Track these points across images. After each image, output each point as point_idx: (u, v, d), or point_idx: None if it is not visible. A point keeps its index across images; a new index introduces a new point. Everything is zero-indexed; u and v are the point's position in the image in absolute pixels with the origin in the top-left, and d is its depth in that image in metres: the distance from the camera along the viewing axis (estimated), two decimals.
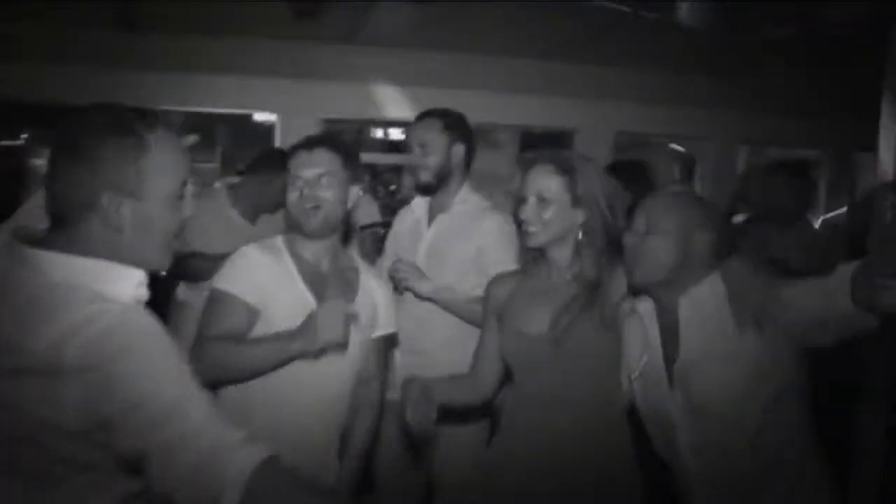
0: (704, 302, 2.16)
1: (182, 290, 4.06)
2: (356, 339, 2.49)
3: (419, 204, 3.21)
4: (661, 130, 5.99)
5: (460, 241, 3.02)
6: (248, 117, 8.13)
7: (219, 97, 5.17)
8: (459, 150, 3.09)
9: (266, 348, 2.32)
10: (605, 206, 2.42)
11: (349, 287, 2.57)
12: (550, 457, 2.40)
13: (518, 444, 2.48)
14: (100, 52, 4.72)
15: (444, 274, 2.98)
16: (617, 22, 4.44)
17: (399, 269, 2.94)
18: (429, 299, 2.97)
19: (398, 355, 3.09)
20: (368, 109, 5.33)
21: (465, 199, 3.12)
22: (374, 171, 8.51)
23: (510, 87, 5.49)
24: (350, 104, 5.31)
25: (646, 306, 2.30)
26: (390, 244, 3.36)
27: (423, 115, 3.17)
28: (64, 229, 1.55)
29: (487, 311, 2.61)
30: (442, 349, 2.98)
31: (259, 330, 2.41)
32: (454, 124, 3.13)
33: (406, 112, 5.22)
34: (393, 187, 10.21)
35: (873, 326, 1.88)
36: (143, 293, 1.62)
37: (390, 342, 2.84)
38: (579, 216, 2.42)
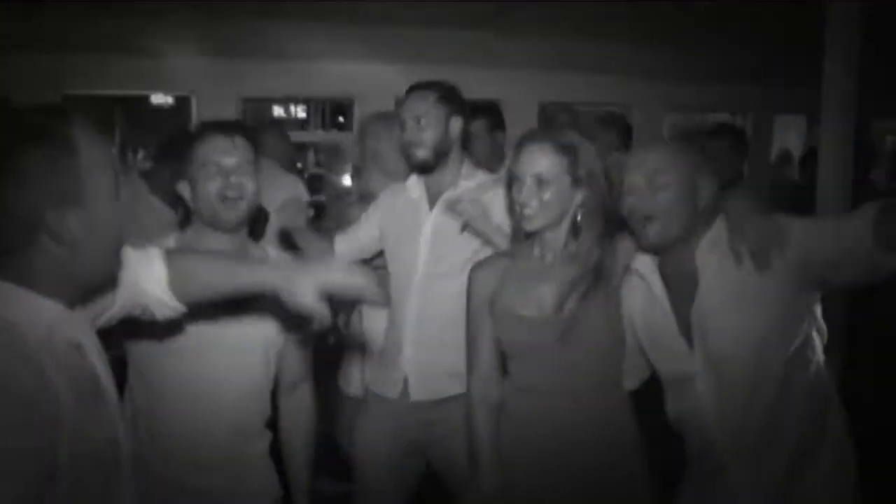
0: (718, 247, 2.10)
1: None
2: (259, 336, 2.32)
3: (414, 184, 2.99)
4: (586, 99, 5.97)
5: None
6: (145, 99, 7.78)
7: (129, 78, 4.84)
8: (457, 123, 2.89)
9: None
10: (604, 185, 2.31)
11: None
12: (553, 444, 2.30)
13: (518, 434, 2.37)
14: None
15: (450, 256, 2.76)
16: None
17: (463, 203, 2.71)
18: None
19: (406, 349, 2.90)
20: (290, 87, 5.09)
21: (470, 175, 2.93)
22: None
23: (434, 58, 5.27)
24: (272, 82, 5.06)
25: (644, 262, 2.22)
26: (373, 221, 3.11)
27: (415, 88, 2.94)
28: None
29: (476, 299, 2.45)
30: (454, 341, 2.79)
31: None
32: (449, 95, 2.92)
33: (329, 89, 5.03)
34: (298, 165, 9.99)
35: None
36: (68, 332, 1.43)
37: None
38: (577, 197, 2.31)
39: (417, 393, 2.83)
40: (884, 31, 4.09)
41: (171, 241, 2.33)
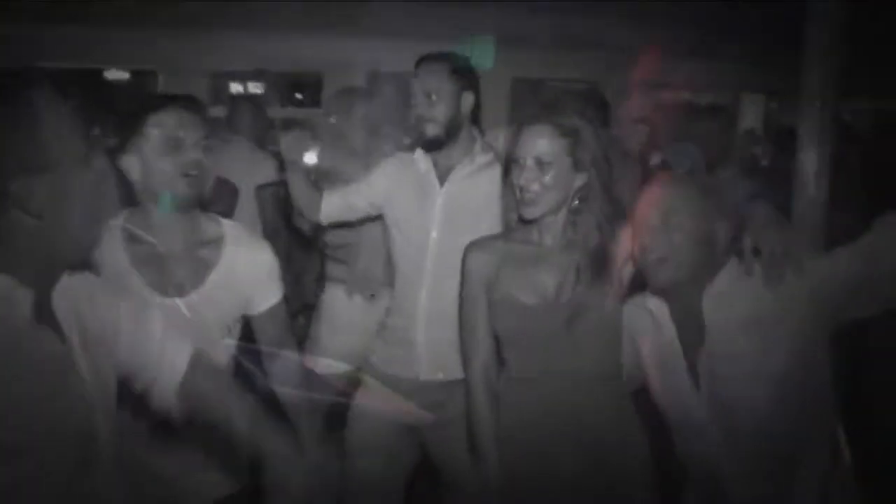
0: (729, 292, 2.05)
1: None
2: (215, 317, 2.25)
3: (421, 156, 2.89)
4: (559, 76, 5.92)
5: (489, 194, 2.68)
6: (98, 74, 7.51)
7: (91, 52, 4.65)
8: (469, 98, 2.81)
9: None
10: (606, 168, 2.27)
11: (202, 266, 2.26)
12: (554, 433, 2.27)
13: (517, 423, 2.32)
14: None
15: (464, 233, 2.65)
16: None
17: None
18: None
19: (419, 328, 2.81)
20: (259, 61, 4.94)
21: (485, 151, 2.85)
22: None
23: (405, 34, 5.17)
24: (239, 56, 4.90)
25: (657, 303, 2.17)
26: (373, 188, 3.01)
27: (427, 60, 2.84)
28: None
29: (472, 283, 2.38)
30: None
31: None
32: (462, 69, 2.83)
33: (298, 64, 4.90)
34: None
35: None
36: (23, 311, 1.39)
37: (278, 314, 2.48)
38: (578, 180, 2.25)
39: (429, 372, 2.77)
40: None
41: (119, 219, 2.22)
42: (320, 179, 3.29)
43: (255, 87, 9.58)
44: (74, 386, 1.45)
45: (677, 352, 2.13)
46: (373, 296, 3.52)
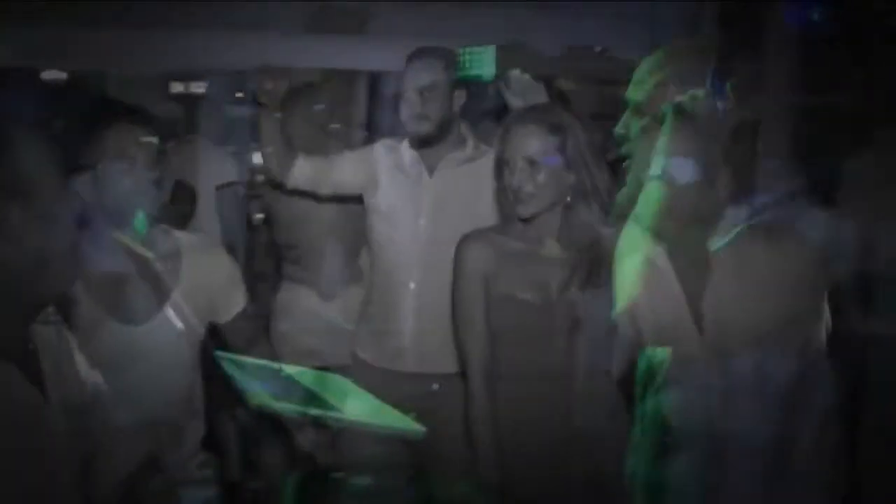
0: (733, 234, 2.04)
1: None
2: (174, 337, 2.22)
3: (407, 149, 2.83)
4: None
5: (481, 184, 2.62)
6: (35, 74, 7.24)
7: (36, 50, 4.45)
8: (461, 94, 2.76)
9: None
10: (595, 165, 2.26)
11: (161, 285, 2.22)
12: (548, 431, 2.27)
13: (510, 422, 2.31)
14: None
15: (454, 225, 2.60)
16: None
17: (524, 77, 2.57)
18: None
19: (408, 319, 2.74)
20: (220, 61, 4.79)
21: (477, 146, 2.80)
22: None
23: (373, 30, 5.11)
24: (196, 55, 4.74)
25: (659, 252, 2.15)
26: (355, 168, 2.92)
27: (420, 55, 2.79)
28: None
29: (468, 278, 2.35)
30: None
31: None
32: (454, 65, 2.78)
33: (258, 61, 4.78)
34: None
35: None
36: None
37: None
38: (570, 178, 2.23)
39: (416, 364, 2.73)
40: None
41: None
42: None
43: (198, 87, 9.44)
44: (39, 440, 1.37)
45: (679, 297, 2.09)
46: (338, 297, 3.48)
